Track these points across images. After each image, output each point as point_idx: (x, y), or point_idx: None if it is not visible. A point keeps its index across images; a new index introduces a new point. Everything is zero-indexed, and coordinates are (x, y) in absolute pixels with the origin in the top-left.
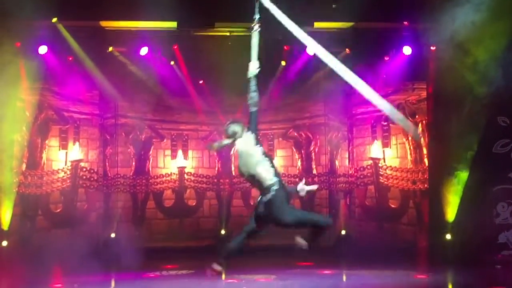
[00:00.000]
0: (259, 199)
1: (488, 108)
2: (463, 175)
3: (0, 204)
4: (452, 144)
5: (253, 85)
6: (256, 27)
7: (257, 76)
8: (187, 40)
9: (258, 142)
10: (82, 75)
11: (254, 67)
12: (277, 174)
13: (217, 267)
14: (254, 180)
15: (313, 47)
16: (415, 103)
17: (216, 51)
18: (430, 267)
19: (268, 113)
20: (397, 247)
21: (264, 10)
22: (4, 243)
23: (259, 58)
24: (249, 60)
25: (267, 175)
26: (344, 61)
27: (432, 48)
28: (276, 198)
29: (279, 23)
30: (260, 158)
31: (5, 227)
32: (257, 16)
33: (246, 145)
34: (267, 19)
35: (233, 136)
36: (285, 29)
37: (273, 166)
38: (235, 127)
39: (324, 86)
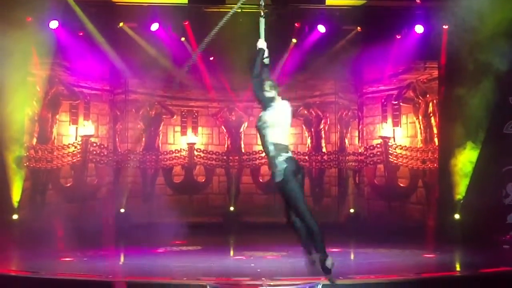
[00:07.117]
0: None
1: (499, 88)
2: (473, 155)
3: (10, 178)
4: (463, 124)
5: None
6: (263, 13)
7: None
8: (197, 16)
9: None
10: (93, 50)
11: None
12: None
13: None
14: None
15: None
16: (426, 82)
17: (227, 27)
18: (438, 246)
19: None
20: (406, 226)
21: None
22: (15, 217)
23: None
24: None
25: None
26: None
27: (444, 27)
28: None
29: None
30: None
31: (16, 201)
32: (263, 2)
33: None
34: None
35: None
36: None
37: None
38: None
39: (335, 64)
